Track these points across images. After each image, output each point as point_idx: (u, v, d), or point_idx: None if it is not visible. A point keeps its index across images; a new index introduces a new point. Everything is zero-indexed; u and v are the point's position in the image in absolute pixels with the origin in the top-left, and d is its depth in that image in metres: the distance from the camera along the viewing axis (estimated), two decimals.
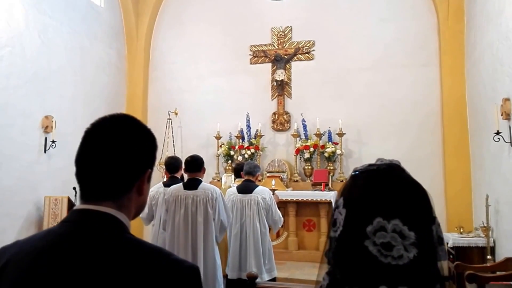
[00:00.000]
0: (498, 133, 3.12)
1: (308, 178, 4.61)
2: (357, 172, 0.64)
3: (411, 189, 0.61)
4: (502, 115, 3.13)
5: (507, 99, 3.09)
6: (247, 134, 4.86)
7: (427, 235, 0.58)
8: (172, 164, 3.08)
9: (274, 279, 2.86)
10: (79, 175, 0.63)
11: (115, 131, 0.64)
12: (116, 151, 0.62)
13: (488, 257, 3.28)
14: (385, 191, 0.60)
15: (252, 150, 4.74)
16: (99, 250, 0.57)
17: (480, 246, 3.43)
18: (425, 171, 4.02)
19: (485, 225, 3.34)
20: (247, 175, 2.97)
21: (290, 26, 5.04)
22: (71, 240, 0.58)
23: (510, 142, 3.07)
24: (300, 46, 4.96)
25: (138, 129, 0.67)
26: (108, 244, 0.58)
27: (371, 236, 0.57)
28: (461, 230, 3.66)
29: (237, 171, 3.31)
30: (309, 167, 4.63)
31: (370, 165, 0.64)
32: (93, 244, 0.57)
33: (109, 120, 0.65)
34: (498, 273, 2.17)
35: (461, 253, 3.38)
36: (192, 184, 2.57)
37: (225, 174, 4.47)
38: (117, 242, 0.59)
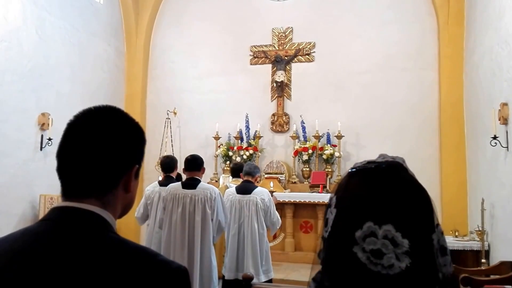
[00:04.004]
0: (495, 137, 3.15)
1: (306, 180, 4.61)
2: (353, 170, 0.59)
3: (410, 192, 0.55)
4: (499, 119, 3.16)
5: (505, 104, 3.11)
6: (246, 135, 4.85)
7: (424, 244, 0.53)
8: (167, 164, 3.07)
9: (270, 281, 2.86)
10: (61, 170, 0.59)
11: (99, 124, 0.59)
12: (101, 145, 0.58)
13: (483, 260, 3.30)
14: (379, 193, 0.54)
15: (251, 151, 4.73)
16: (80, 250, 0.53)
17: (475, 249, 3.44)
18: (421, 174, 3.92)
19: (480, 229, 3.36)
20: (246, 175, 2.98)
21: (291, 27, 5.04)
22: (50, 239, 0.54)
23: (507, 147, 3.10)
24: (300, 47, 4.96)
25: (125, 122, 0.62)
26: (90, 244, 0.54)
27: (360, 242, 0.52)
28: (456, 234, 3.68)
29: (234, 171, 3.31)
30: (307, 169, 4.63)
31: (368, 162, 0.58)
32: (73, 243, 0.53)
33: (94, 112, 0.61)
34: (492, 276, 2.19)
35: (456, 256, 3.40)
36: (191, 184, 2.56)
37: (223, 175, 4.46)
38: (100, 241, 0.55)
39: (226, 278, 2.85)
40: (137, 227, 4.45)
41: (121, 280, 0.52)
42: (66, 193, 0.60)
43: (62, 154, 0.60)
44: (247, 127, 4.85)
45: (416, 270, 0.52)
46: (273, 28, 5.07)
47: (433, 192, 4.15)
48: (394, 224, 0.52)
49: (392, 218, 0.53)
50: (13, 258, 0.54)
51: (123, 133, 0.61)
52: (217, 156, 4.88)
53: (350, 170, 0.60)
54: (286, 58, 4.95)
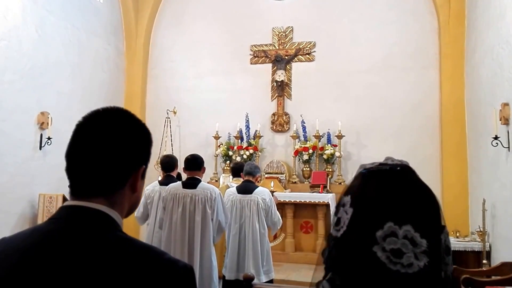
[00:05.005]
0: (496, 137, 3.14)
1: (307, 180, 4.59)
2: (366, 171, 0.60)
3: (423, 194, 0.58)
4: (501, 120, 3.15)
5: (506, 104, 3.10)
6: (246, 134, 4.84)
7: (437, 243, 0.55)
8: (167, 163, 3.07)
9: (271, 281, 2.85)
10: (70, 170, 0.61)
11: (108, 125, 0.61)
12: (109, 145, 0.60)
13: (484, 261, 3.29)
14: (398, 194, 0.57)
15: (251, 151, 4.72)
16: (89, 248, 0.54)
17: (476, 250, 3.43)
18: (422, 174, 3.88)
19: (481, 229, 3.35)
20: (247, 175, 2.96)
21: (291, 27, 5.03)
22: (59, 238, 0.55)
23: (508, 147, 3.09)
24: (301, 47, 4.95)
25: (132, 123, 0.64)
26: (98, 242, 0.55)
27: (381, 242, 0.54)
28: (457, 234, 3.67)
29: (235, 171, 3.30)
30: (308, 169, 4.62)
31: (381, 164, 0.61)
32: (82, 242, 0.55)
33: (102, 113, 0.63)
34: (494, 277, 2.18)
35: (457, 257, 3.38)
36: (191, 183, 2.55)
37: (223, 175, 4.45)
38: (108, 240, 0.56)
39: (226, 278, 2.84)
40: (137, 227, 4.43)
41: (128, 279, 0.53)
42: (75, 193, 0.61)
43: (71, 155, 0.61)
44: (247, 127, 4.84)
45: (432, 269, 0.54)
46: (273, 28, 5.06)
47: (435, 192, 4.13)
48: (413, 225, 0.55)
49: (411, 218, 0.55)
50: (22, 257, 0.54)
51: (130, 135, 0.63)
52: (217, 155, 4.87)
53: (362, 171, 0.61)
54: (286, 57, 4.94)
